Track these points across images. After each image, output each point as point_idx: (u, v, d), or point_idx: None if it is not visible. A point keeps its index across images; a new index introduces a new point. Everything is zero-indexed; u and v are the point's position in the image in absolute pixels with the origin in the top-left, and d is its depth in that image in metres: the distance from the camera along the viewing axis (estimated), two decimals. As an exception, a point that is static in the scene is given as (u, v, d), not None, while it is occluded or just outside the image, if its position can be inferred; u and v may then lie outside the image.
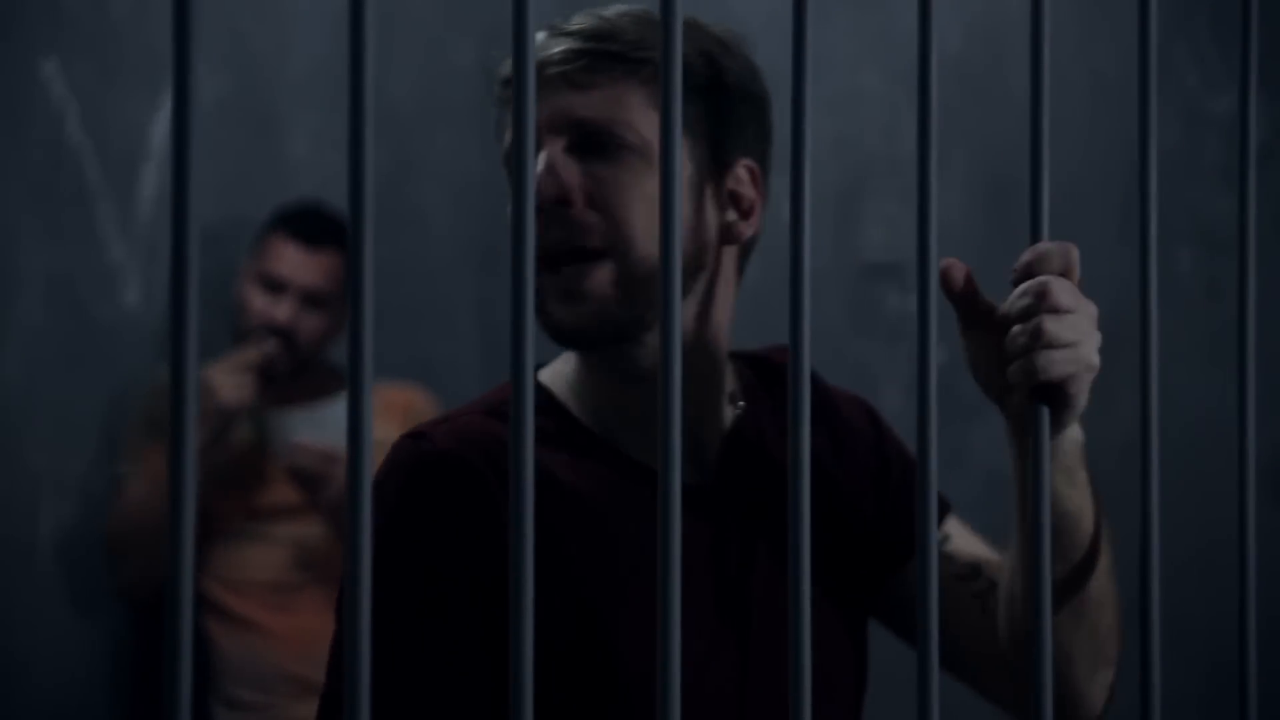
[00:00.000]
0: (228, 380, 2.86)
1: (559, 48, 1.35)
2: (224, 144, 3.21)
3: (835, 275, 2.92)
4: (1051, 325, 1.17)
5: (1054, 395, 1.17)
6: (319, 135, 3.39)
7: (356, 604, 0.75)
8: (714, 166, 1.37)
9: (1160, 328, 1.08)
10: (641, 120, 1.34)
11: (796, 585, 0.94)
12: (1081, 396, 1.20)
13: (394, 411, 3.01)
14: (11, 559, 3.04)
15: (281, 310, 2.94)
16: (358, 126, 0.75)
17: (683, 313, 1.30)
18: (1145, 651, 1.05)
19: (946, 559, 1.44)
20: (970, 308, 1.24)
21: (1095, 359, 1.19)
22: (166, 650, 0.70)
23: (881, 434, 1.50)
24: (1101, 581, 1.32)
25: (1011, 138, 2.31)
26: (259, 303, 2.95)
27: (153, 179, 3.18)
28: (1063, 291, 1.18)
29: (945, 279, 1.23)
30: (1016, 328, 1.18)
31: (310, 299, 2.97)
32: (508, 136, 1.36)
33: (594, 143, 1.34)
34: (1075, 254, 1.19)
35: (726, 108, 1.38)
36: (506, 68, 1.37)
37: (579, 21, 1.37)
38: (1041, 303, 1.18)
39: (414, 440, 1.33)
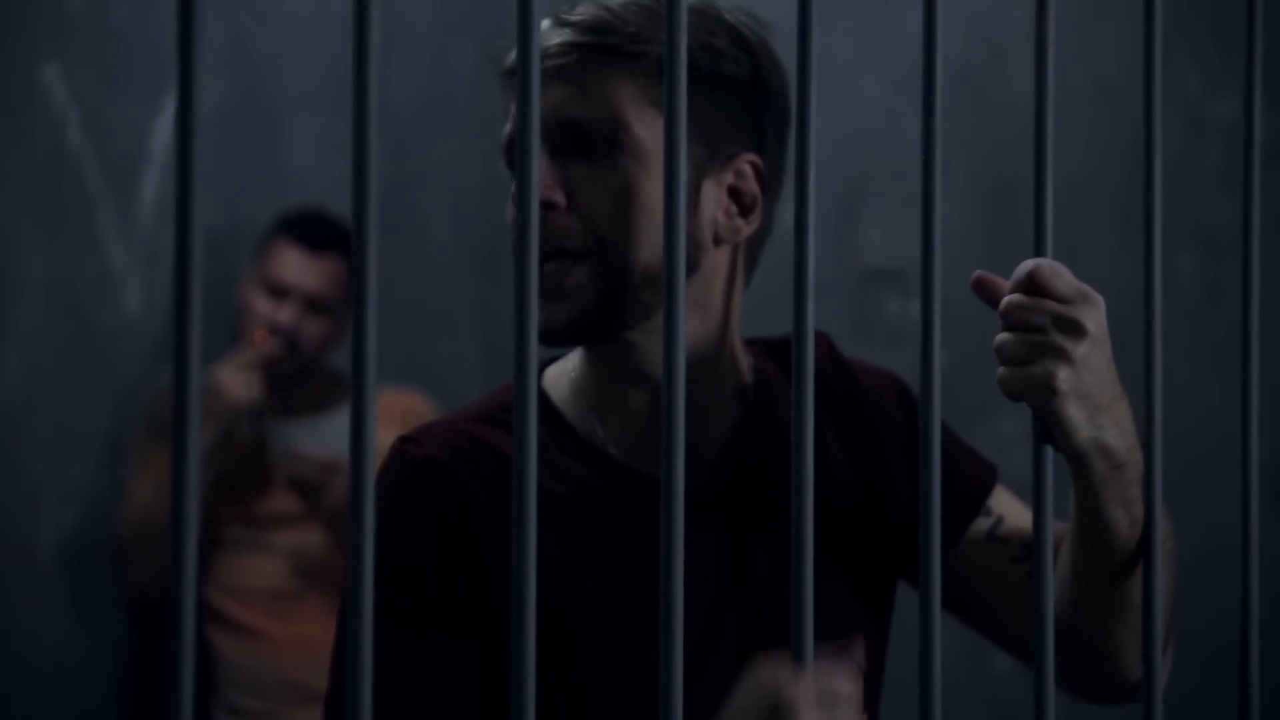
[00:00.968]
0: (234, 378, 2.86)
1: (556, 39, 1.32)
2: (226, 149, 3.21)
3: (836, 280, 2.92)
4: (1002, 340, 1.19)
5: (1038, 411, 1.18)
6: (320, 140, 3.38)
7: (359, 610, 0.75)
8: (711, 162, 1.34)
9: (1162, 332, 1.08)
10: (634, 118, 1.31)
11: (799, 585, 0.94)
12: (1064, 416, 1.18)
13: (394, 416, 3.00)
14: (12, 564, 3.03)
15: (284, 315, 2.94)
16: (361, 131, 0.75)
17: None
18: (1149, 654, 1.05)
19: (1000, 542, 1.42)
20: None
21: (1054, 381, 1.17)
22: (168, 657, 0.70)
23: (910, 411, 1.46)
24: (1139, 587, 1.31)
25: (1013, 143, 2.30)
26: (262, 308, 2.95)
27: (154, 184, 3.18)
28: (1019, 307, 1.18)
29: (982, 291, 1.22)
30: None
31: (313, 305, 2.96)
32: (507, 127, 1.35)
33: (582, 143, 1.32)
34: (1042, 268, 1.18)
35: (726, 100, 1.35)
36: (510, 58, 1.36)
37: (580, 11, 1.34)
38: (1004, 320, 1.19)
39: (400, 444, 1.34)
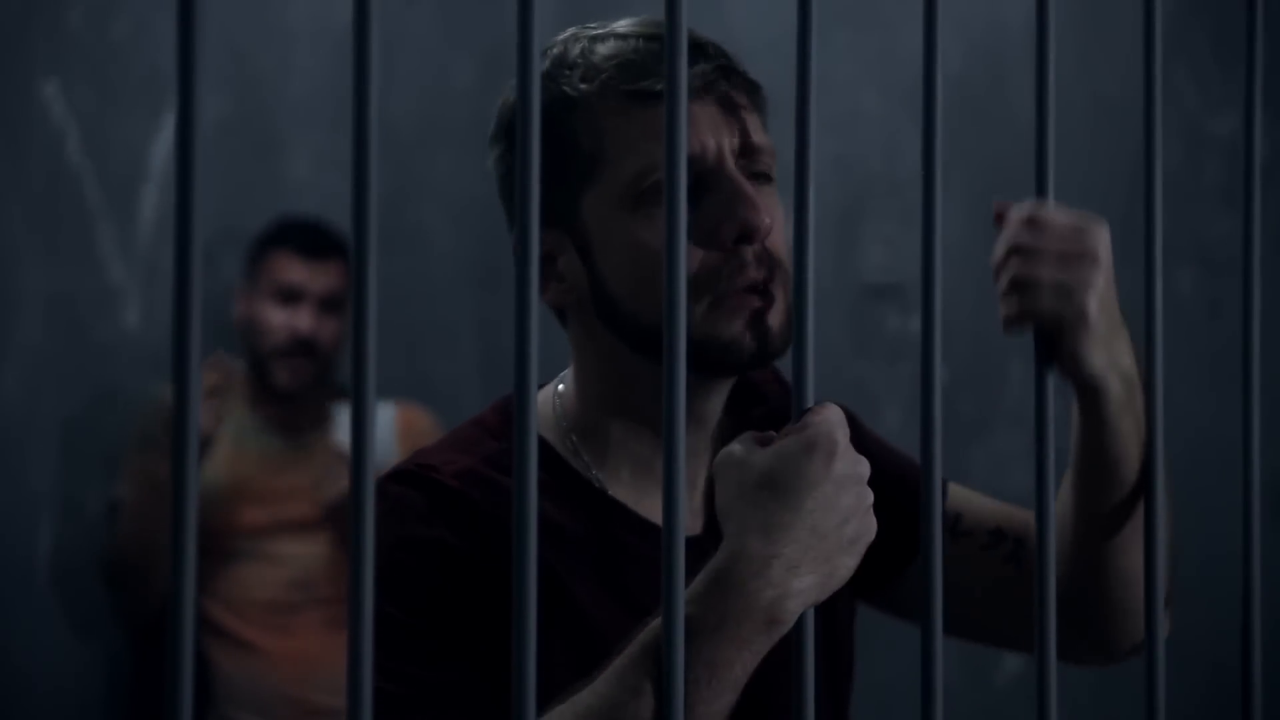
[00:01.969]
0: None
1: (707, 64, 1.26)
2: (225, 164, 3.21)
3: (835, 295, 2.92)
4: (1018, 271, 1.20)
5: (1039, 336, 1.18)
6: (320, 155, 3.38)
7: (358, 618, 0.75)
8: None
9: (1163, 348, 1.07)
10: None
11: (800, 635, 0.93)
12: (1086, 342, 1.19)
13: (397, 432, 3.00)
14: (10, 578, 3.03)
15: (302, 320, 2.93)
16: (361, 146, 0.74)
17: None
18: (1150, 667, 1.05)
19: (965, 536, 1.41)
20: None
21: (1085, 306, 1.19)
22: (168, 672, 0.70)
23: (862, 441, 1.46)
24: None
25: (1013, 158, 2.30)
26: (278, 317, 2.94)
27: (153, 200, 3.18)
28: (1035, 237, 1.20)
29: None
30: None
31: (326, 305, 2.96)
32: (638, 162, 1.25)
33: (765, 170, 1.28)
34: (1044, 207, 1.19)
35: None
36: (644, 81, 1.27)
37: (699, 38, 1.27)
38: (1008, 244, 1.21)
39: (427, 470, 1.27)
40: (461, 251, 3.54)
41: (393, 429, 2.84)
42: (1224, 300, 2.32)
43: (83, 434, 2.94)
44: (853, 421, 1.46)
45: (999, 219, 1.26)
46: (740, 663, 1.06)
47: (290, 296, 2.94)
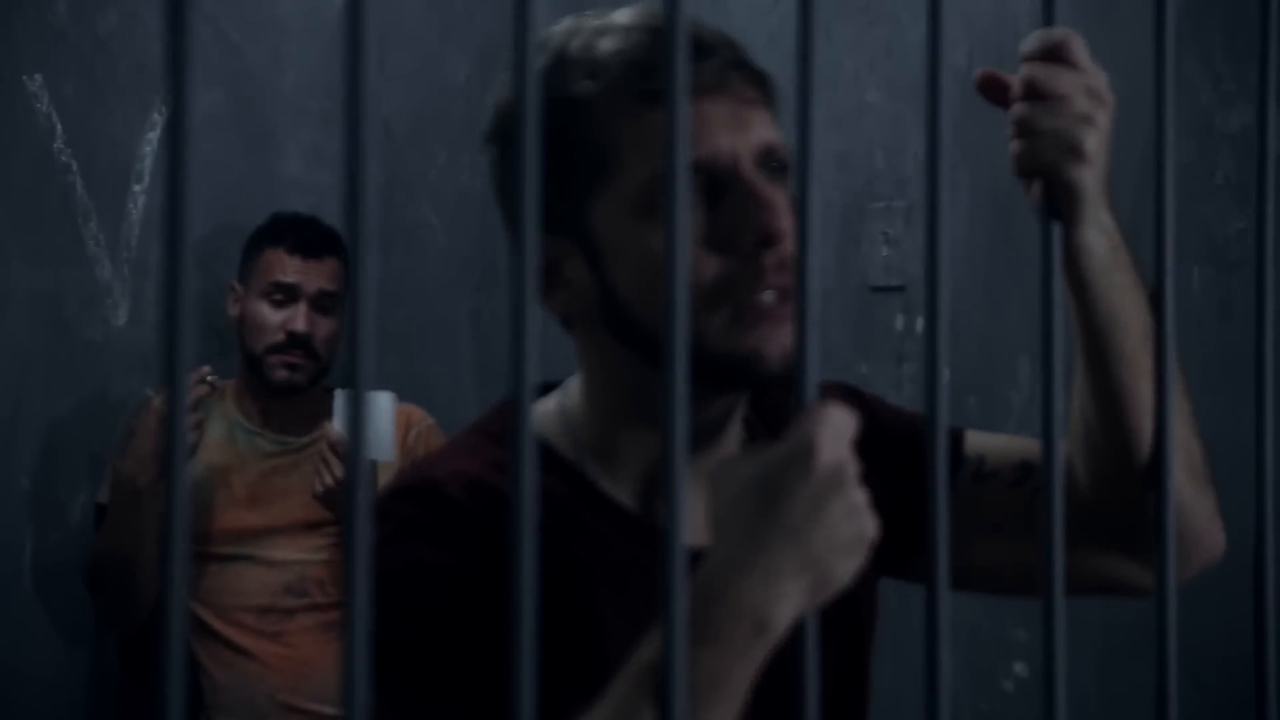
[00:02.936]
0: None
1: (716, 58, 1.22)
2: (216, 160, 3.20)
3: (840, 295, 2.90)
4: (1026, 110, 1.17)
5: (1052, 189, 1.15)
6: (313, 151, 3.37)
7: (353, 623, 0.72)
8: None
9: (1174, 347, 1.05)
10: None
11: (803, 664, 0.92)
12: (1082, 184, 1.17)
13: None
14: (-3, 581, 3.02)
15: (297, 318, 2.92)
16: (354, 142, 0.72)
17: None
18: (1161, 673, 1.02)
19: (993, 476, 1.40)
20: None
21: (1083, 145, 1.16)
22: (157, 678, 0.68)
23: (869, 411, 1.43)
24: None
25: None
26: (273, 316, 2.93)
27: (141, 197, 3.17)
28: (1047, 76, 1.17)
29: (989, 89, 1.22)
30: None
31: (320, 304, 2.95)
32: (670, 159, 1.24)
33: (782, 169, 1.24)
34: (1067, 38, 1.16)
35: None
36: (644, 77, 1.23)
37: (704, 32, 1.23)
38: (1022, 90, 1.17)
39: (432, 484, 1.24)
40: (456, 249, 3.52)
41: (392, 414, 2.82)
42: (1235, 299, 2.29)
43: (69, 434, 2.92)
44: (859, 397, 1.45)
45: (983, 86, 1.23)
46: (737, 671, 1.04)
47: (285, 295, 2.93)
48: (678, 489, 0.81)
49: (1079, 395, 1.32)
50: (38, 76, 3.07)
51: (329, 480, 2.73)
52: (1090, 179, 1.18)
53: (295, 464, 2.98)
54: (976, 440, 1.43)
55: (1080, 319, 1.27)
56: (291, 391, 2.95)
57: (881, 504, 1.14)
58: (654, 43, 1.23)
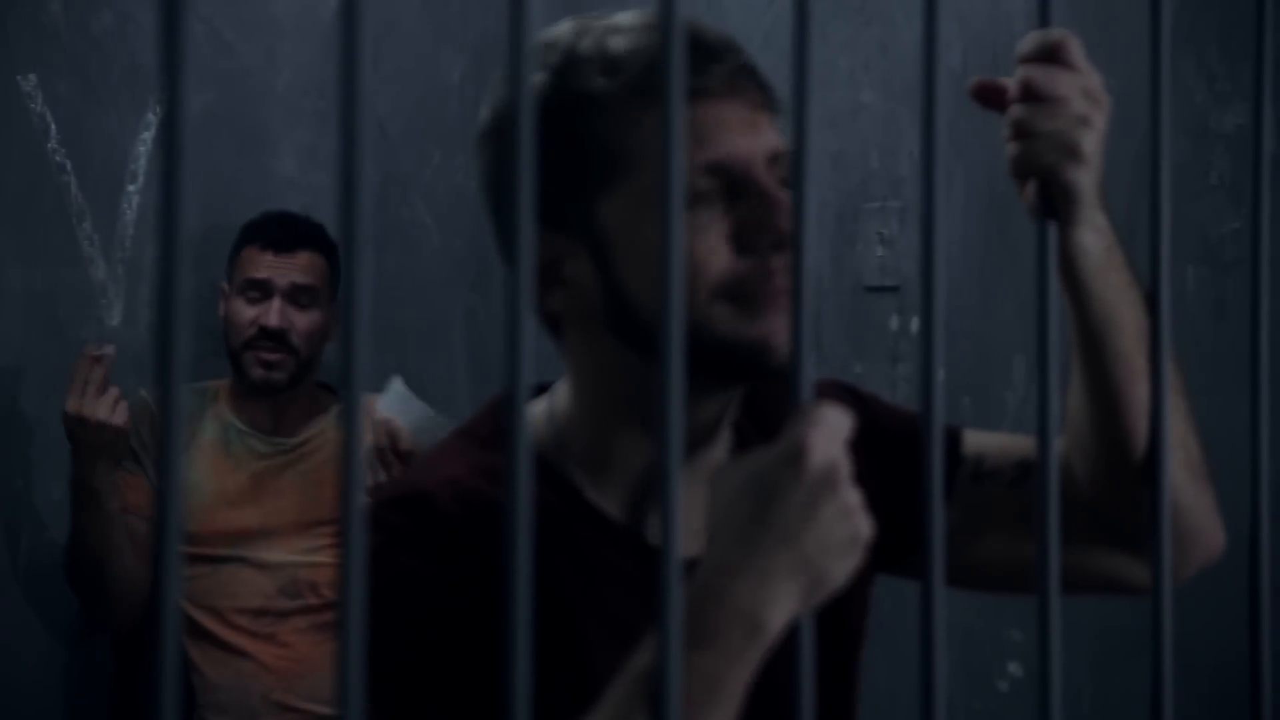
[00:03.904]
0: (97, 406, 2.80)
1: (730, 62, 1.24)
2: (210, 159, 3.19)
3: (834, 295, 2.90)
4: (1024, 112, 1.17)
5: (1048, 190, 1.15)
6: (307, 151, 3.37)
7: (347, 628, 0.72)
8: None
9: (1169, 348, 1.05)
10: None
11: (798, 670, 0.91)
12: (1079, 186, 1.17)
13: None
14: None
15: (271, 315, 2.92)
16: (349, 142, 0.72)
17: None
18: (1156, 672, 1.02)
19: (992, 476, 1.40)
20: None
21: (1081, 147, 1.16)
22: (151, 678, 0.67)
23: (865, 410, 1.43)
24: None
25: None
26: (249, 313, 2.93)
27: (136, 197, 3.16)
28: (1046, 78, 1.17)
29: (984, 95, 1.22)
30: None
31: (295, 298, 2.94)
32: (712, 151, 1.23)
33: (786, 180, 1.25)
34: (1064, 39, 1.17)
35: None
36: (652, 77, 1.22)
37: (713, 36, 1.25)
38: (1018, 92, 1.17)
39: (423, 495, 1.24)
40: (451, 248, 3.52)
41: (407, 394, 2.73)
42: (1230, 298, 2.29)
43: (63, 434, 2.91)
44: (856, 395, 1.45)
45: (978, 93, 1.23)
46: (732, 674, 1.04)
47: (259, 291, 2.93)
48: (672, 489, 0.81)
49: (1075, 395, 1.33)
50: (32, 76, 3.06)
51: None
52: (1087, 180, 1.18)
53: (288, 465, 2.97)
54: (975, 439, 1.43)
55: (1075, 319, 1.27)
56: (271, 390, 2.94)
57: (877, 502, 1.15)
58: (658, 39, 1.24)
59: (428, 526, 1.22)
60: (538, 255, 1.23)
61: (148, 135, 3.17)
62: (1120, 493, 1.32)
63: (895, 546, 1.24)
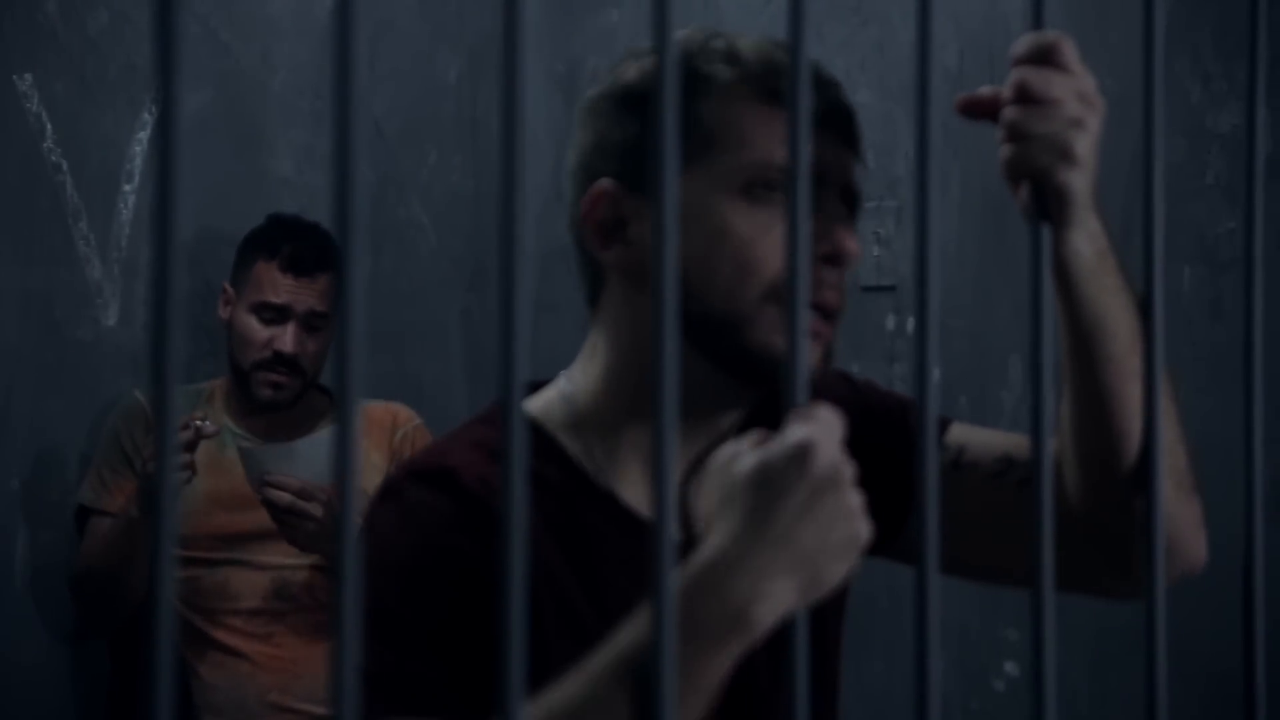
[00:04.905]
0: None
1: (834, 96, 1.33)
2: (206, 159, 3.19)
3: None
4: (1018, 114, 1.17)
5: (1041, 193, 1.15)
6: (303, 151, 3.36)
7: (343, 630, 0.72)
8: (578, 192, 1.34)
9: (1164, 347, 1.05)
10: None
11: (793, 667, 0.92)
12: (1072, 189, 1.17)
13: (378, 429, 2.98)
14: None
15: (286, 338, 2.90)
16: (344, 142, 0.72)
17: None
18: (1150, 673, 1.02)
19: (971, 467, 1.41)
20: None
21: (1074, 150, 1.16)
22: (147, 679, 0.67)
23: (859, 395, 1.45)
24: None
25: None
26: (262, 335, 2.91)
27: (131, 197, 3.16)
28: (1040, 80, 1.17)
29: (971, 108, 1.22)
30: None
31: (310, 323, 2.93)
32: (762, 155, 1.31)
33: (855, 208, 1.35)
34: (1058, 41, 1.17)
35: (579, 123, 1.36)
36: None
37: (830, 74, 1.35)
38: (1012, 94, 1.17)
39: (450, 473, 1.27)
40: (447, 249, 3.52)
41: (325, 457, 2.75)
42: (1225, 298, 2.29)
43: (59, 434, 2.91)
44: (850, 382, 1.46)
45: (966, 108, 1.24)
46: (713, 667, 1.04)
47: (274, 314, 2.90)
48: (667, 474, 0.81)
49: (1065, 399, 1.33)
50: (27, 76, 3.06)
51: (311, 527, 2.71)
52: (1080, 183, 1.18)
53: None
54: (961, 430, 1.44)
55: (1067, 322, 1.27)
56: (276, 408, 2.94)
57: (865, 482, 1.16)
58: (785, 58, 1.31)
59: (452, 499, 1.25)
60: (609, 211, 1.31)
61: (144, 135, 3.16)
62: (1107, 498, 1.32)
63: (881, 527, 1.25)
